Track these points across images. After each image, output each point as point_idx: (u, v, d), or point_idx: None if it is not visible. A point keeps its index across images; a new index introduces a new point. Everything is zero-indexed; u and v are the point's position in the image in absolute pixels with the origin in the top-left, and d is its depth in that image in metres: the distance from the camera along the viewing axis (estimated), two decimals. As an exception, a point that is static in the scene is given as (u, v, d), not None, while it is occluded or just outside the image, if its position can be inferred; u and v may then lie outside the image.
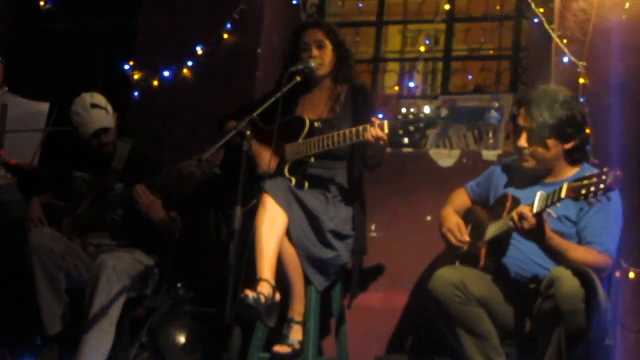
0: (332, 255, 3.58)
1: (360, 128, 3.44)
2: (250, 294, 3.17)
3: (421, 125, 3.30)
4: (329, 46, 3.81)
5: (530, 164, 3.25)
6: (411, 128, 3.31)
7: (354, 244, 3.69)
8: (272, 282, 3.34)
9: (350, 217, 3.72)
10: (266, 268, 3.36)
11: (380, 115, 3.41)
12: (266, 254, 3.38)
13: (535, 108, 3.15)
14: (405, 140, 3.34)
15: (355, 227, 3.71)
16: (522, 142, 3.21)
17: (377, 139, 3.37)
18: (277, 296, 3.34)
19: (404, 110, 3.37)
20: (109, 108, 4.10)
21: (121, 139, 4.21)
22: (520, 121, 3.21)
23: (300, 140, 3.68)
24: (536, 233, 2.98)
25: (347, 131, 3.50)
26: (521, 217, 2.95)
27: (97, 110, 4.03)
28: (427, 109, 3.32)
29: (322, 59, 3.78)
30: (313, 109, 3.85)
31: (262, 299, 3.22)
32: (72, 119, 4.06)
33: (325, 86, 3.87)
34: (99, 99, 4.08)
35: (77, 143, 4.24)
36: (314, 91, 3.89)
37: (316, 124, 3.73)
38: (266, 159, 3.66)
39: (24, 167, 4.30)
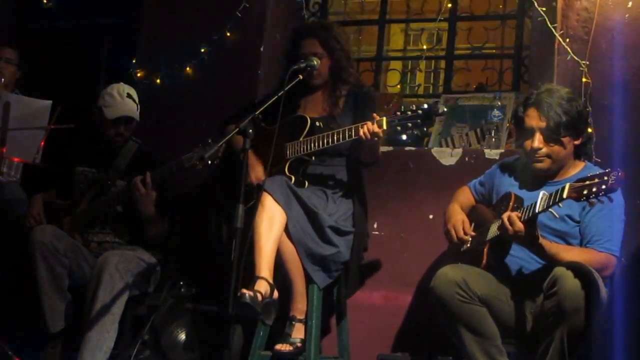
0: (333, 251, 3.57)
1: (359, 125, 3.45)
2: (246, 292, 3.17)
3: (419, 121, 3.31)
4: (325, 55, 3.79)
5: (544, 164, 3.23)
6: (409, 124, 3.33)
7: (354, 239, 3.68)
8: (270, 280, 3.34)
9: (351, 213, 3.72)
10: (264, 266, 3.36)
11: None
12: (264, 252, 3.38)
13: (546, 107, 3.14)
14: (404, 136, 3.36)
15: (355, 223, 3.71)
16: (538, 143, 3.18)
17: (373, 134, 3.37)
18: (275, 294, 3.34)
19: (402, 107, 3.39)
20: (139, 107, 4.21)
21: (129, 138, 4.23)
22: (532, 123, 3.19)
23: (300, 139, 3.69)
24: (526, 239, 2.98)
25: (347, 129, 3.51)
26: (509, 223, 2.95)
27: (130, 101, 4.16)
28: (425, 106, 3.33)
29: (318, 69, 3.76)
30: (314, 109, 3.85)
31: (259, 297, 3.23)
32: (102, 98, 4.14)
33: (326, 89, 3.87)
34: (135, 94, 4.21)
35: (81, 139, 4.25)
36: (315, 93, 3.89)
37: (317, 123, 3.73)
38: (258, 172, 3.69)
39: (27, 165, 4.31)
